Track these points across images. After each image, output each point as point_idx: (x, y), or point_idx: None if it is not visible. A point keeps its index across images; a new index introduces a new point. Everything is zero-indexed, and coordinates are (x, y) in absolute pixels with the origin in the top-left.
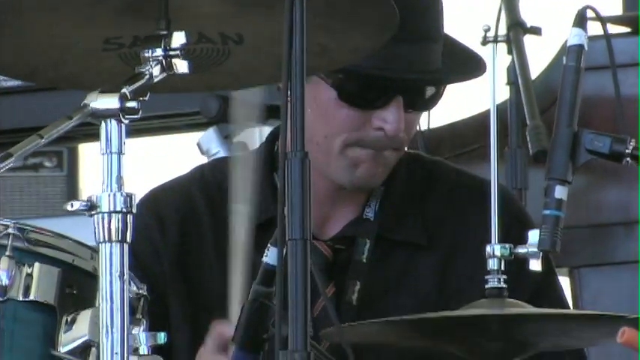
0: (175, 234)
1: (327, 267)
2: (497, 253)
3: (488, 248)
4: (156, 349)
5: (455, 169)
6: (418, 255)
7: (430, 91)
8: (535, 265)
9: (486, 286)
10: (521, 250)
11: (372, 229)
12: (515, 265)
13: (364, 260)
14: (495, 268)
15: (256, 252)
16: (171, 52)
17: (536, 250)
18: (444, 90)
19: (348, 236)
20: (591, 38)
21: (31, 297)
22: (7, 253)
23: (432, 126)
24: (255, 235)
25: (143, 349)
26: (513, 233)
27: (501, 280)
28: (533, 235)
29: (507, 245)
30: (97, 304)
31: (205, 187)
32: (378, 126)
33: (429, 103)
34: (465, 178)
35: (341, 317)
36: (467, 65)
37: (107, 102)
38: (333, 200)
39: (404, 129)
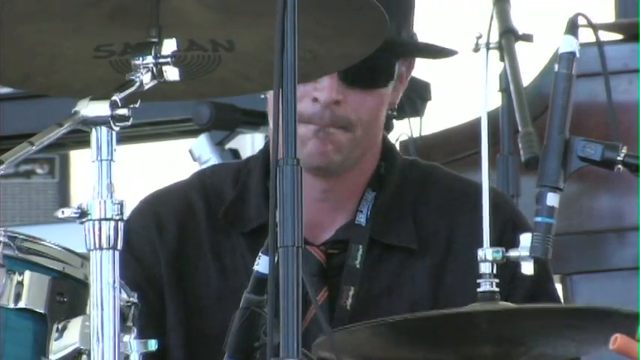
0: (173, 236)
1: (321, 272)
2: (490, 257)
3: (480, 252)
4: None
5: (450, 175)
6: (412, 260)
7: (371, 66)
8: (527, 268)
9: (478, 290)
10: (513, 253)
11: (364, 234)
12: (509, 270)
13: (358, 266)
14: (487, 271)
15: (250, 258)
16: (162, 60)
17: (528, 253)
18: (392, 68)
19: (340, 240)
20: (583, 45)
21: (22, 305)
22: None
23: (424, 133)
24: (249, 241)
25: (134, 357)
26: (507, 236)
27: (493, 283)
28: (525, 239)
29: (499, 249)
30: (87, 312)
31: (204, 191)
32: (313, 97)
33: (370, 79)
34: (460, 183)
35: (334, 323)
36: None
37: (98, 109)
38: (324, 203)
39: (353, 108)
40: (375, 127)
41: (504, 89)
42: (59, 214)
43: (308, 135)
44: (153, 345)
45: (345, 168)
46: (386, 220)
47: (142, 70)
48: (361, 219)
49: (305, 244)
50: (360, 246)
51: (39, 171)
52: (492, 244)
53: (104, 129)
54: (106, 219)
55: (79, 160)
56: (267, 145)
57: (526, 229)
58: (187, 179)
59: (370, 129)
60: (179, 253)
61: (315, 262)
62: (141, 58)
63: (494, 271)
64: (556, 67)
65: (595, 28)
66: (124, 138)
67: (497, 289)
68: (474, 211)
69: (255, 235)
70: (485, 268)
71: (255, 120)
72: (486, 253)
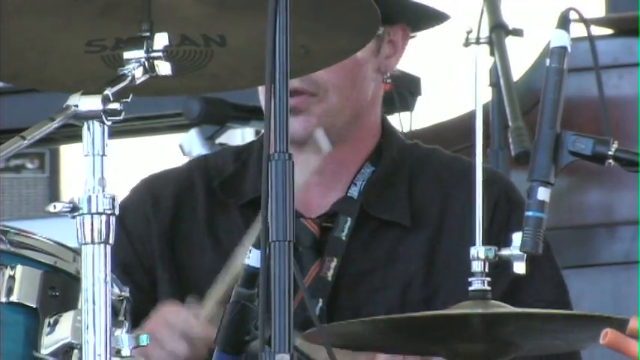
0: (168, 212)
1: (315, 244)
2: (482, 255)
3: (472, 250)
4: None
5: (450, 155)
6: (404, 236)
7: None
8: (519, 267)
9: (470, 288)
10: (505, 252)
11: (355, 207)
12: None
13: (343, 237)
14: (479, 270)
15: (245, 233)
16: (154, 54)
17: (520, 252)
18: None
19: (335, 214)
20: (573, 40)
21: (14, 299)
22: None
23: (414, 128)
24: (244, 214)
25: (125, 351)
26: (500, 209)
27: (485, 282)
28: (518, 237)
29: (492, 247)
30: (79, 306)
31: (205, 169)
32: None
33: None
34: (458, 163)
35: (317, 293)
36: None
37: (89, 103)
38: (320, 178)
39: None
40: (354, 92)
41: (494, 84)
42: (51, 208)
43: None
44: (144, 340)
45: (332, 138)
46: (380, 194)
47: (133, 65)
48: (354, 192)
49: (300, 217)
50: (349, 218)
51: (29, 165)
52: (486, 218)
53: (96, 123)
54: (97, 213)
55: (69, 155)
56: None
57: (520, 202)
58: (191, 160)
59: (348, 93)
60: (174, 227)
61: (308, 234)
62: (132, 53)
63: (487, 270)
64: (547, 61)
65: (587, 22)
66: (115, 132)
67: (488, 288)
68: (469, 188)
69: (251, 208)
70: (477, 266)
71: (245, 114)
72: (479, 251)
